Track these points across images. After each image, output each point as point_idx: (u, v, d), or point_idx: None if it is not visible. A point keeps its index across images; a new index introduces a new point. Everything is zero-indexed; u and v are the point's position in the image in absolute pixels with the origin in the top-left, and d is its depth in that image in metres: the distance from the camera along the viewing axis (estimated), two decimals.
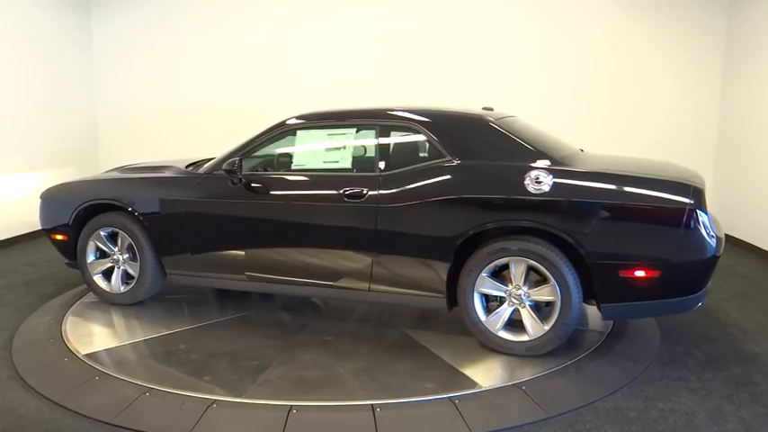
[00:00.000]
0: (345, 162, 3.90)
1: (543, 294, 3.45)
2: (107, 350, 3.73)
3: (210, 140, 6.24)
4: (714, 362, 3.58)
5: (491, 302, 3.62)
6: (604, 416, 2.95)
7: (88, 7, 7.73)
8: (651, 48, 6.84)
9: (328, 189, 3.81)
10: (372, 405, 3.00)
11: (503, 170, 3.55)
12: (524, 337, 3.50)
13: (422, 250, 3.62)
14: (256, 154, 4.13)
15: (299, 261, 3.93)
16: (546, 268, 3.39)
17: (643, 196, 3.31)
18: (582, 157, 3.84)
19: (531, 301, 3.49)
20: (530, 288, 3.49)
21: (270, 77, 7.44)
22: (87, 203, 4.41)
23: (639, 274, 3.28)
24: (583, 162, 3.68)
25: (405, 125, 3.87)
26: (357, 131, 3.97)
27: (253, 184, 3.97)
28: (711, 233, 3.26)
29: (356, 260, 3.76)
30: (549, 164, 3.47)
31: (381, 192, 3.65)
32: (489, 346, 3.58)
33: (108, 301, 4.48)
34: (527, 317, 3.49)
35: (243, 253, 4.06)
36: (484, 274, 3.52)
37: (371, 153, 3.92)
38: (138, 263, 4.31)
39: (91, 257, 4.46)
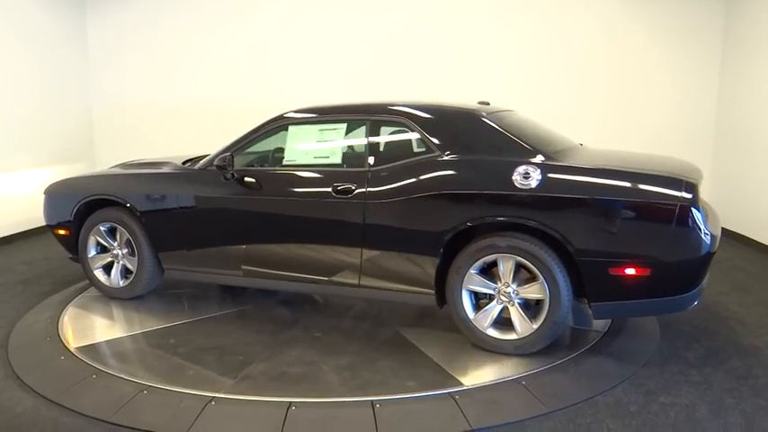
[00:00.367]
0: (336, 157, 3.89)
1: (532, 292, 3.38)
2: (96, 344, 3.75)
3: (208, 137, 6.19)
4: (714, 355, 3.57)
5: (481, 300, 3.56)
6: (605, 410, 2.94)
7: (83, 4, 7.68)
8: (648, 42, 6.82)
9: (318, 184, 3.79)
10: (372, 401, 2.98)
11: (491, 165, 3.49)
12: (513, 336, 3.43)
13: (410, 246, 3.59)
14: (250, 150, 4.14)
15: (291, 256, 3.92)
16: (534, 265, 3.32)
17: (633, 191, 3.20)
18: (579, 152, 3.79)
19: (520, 298, 3.43)
20: (519, 286, 3.43)
21: (266, 74, 7.40)
22: (87, 199, 4.46)
23: (630, 272, 3.18)
24: (577, 157, 3.62)
25: (394, 120, 3.84)
26: (348, 127, 3.95)
27: (246, 179, 3.97)
28: (705, 230, 3.14)
29: (346, 255, 3.74)
30: (540, 159, 3.40)
31: (369, 188, 3.62)
32: (478, 344, 3.53)
33: (108, 295, 4.54)
34: (516, 315, 3.42)
35: (237, 248, 4.06)
36: (472, 271, 3.46)
37: (361, 148, 3.91)
38: (136, 258, 4.35)
39: (92, 252, 4.53)
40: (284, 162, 4.04)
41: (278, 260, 3.96)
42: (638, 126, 6.86)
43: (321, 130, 3.97)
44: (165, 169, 4.42)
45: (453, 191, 3.48)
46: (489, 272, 3.50)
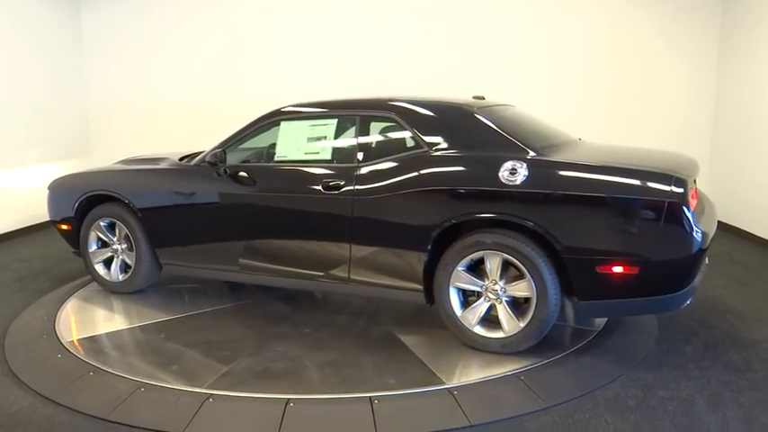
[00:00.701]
0: (326, 153, 3.88)
1: (519, 290, 3.33)
2: (88, 338, 3.79)
3: (204, 133, 6.15)
4: (712, 349, 3.57)
5: (470, 297, 3.51)
6: (603, 404, 2.94)
7: None
8: (648, 36, 6.80)
9: (308, 180, 3.78)
10: (370, 397, 2.98)
11: (478, 161, 3.44)
12: (500, 334, 3.38)
13: (398, 242, 3.56)
14: (245, 146, 4.15)
15: (284, 252, 3.92)
16: (521, 263, 3.25)
17: (621, 187, 3.12)
18: (573, 147, 3.74)
19: (507, 296, 3.37)
20: (507, 283, 3.37)
21: (264, 68, 7.36)
22: (88, 194, 4.51)
23: (617, 270, 3.11)
24: (570, 152, 3.56)
25: (384, 115, 3.81)
26: (338, 122, 3.94)
27: (239, 175, 3.97)
28: (695, 227, 3.03)
29: (336, 251, 3.73)
30: (529, 154, 3.34)
31: (358, 185, 3.60)
32: (466, 342, 3.49)
33: (108, 290, 4.60)
34: (503, 313, 3.36)
35: (231, 244, 4.08)
36: (459, 268, 3.41)
37: (351, 144, 3.88)
38: (135, 253, 4.39)
39: (93, 247, 4.59)
40: (276, 158, 4.04)
41: (271, 256, 3.96)
42: (636, 120, 6.84)
43: (312, 125, 3.96)
44: (161, 165, 4.45)
45: (440, 187, 3.45)
46: (478, 269, 3.45)
